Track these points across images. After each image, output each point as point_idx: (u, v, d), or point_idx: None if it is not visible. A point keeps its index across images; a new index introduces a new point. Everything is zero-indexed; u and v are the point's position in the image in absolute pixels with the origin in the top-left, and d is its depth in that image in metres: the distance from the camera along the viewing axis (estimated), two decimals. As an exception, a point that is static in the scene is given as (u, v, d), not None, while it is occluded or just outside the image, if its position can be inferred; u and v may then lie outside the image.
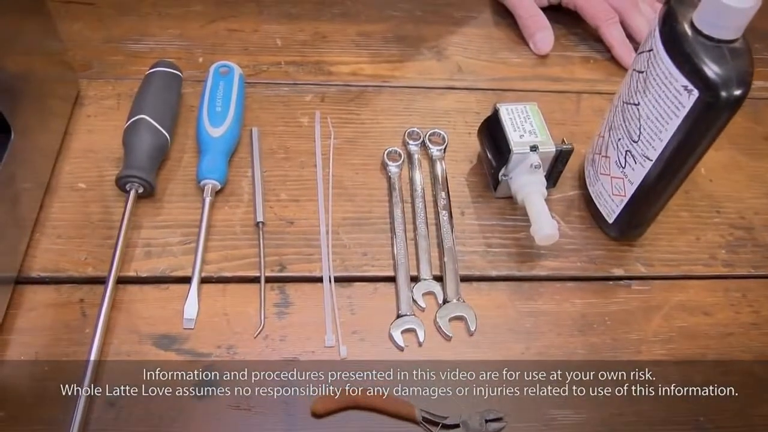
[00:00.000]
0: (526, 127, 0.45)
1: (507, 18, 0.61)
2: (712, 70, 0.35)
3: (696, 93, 0.35)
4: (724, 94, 0.35)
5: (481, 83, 0.56)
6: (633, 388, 0.40)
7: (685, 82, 0.36)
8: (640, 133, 0.40)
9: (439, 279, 0.43)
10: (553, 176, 0.47)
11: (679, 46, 0.36)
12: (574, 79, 0.57)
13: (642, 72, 0.39)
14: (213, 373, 0.38)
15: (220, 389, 0.37)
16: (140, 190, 0.43)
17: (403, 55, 0.57)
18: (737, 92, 0.35)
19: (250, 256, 0.43)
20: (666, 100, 0.37)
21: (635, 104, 0.40)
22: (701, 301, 0.44)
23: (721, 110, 0.36)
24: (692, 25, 0.36)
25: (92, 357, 0.37)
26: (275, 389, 0.38)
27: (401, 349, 0.40)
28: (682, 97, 0.36)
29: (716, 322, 0.43)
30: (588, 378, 0.40)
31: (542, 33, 0.57)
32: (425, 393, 0.38)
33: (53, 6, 0.46)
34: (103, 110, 0.49)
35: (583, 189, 0.48)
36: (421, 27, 0.59)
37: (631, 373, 0.40)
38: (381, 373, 0.39)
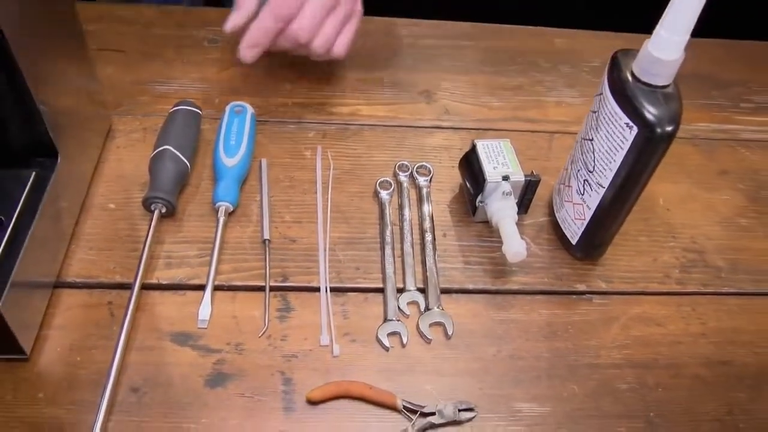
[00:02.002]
0: (499, 160, 0.52)
1: (489, 66, 0.69)
2: (648, 110, 0.42)
3: (636, 129, 0.42)
4: (658, 130, 0.42)
5: (466, 123, 0.63)
6: (592, 386, 0.45)
7: (627, 120, 0.42)
8: (595, 164, 0.47)
9: (422, 291, 0.49)
10: (524, 203, 0.53)
11: (622, 90, 0.43)
12: (547, 121, 0.64)
13: (595, 112, 0.46)
14: (223, 366, 0.43)
15: (229, 380, 0.43)
16: (163, 210, 0.49)
17: (396, 98, 0.64)
18: (669, 128, 0.41)
19: (257, 269, 0.49)
20: (613, 135, 0.44)
21: (590, 140, 0.47)
22: (655, 314, 0.50)
23: (657, 144, 0.42)
24: (632, 74, 0.43)
25: (119, 349, 0.42)
26: (277, 380, 0.43)
27: (387, 349, 0.45)
28: (625, 132, 0.43)
29: (668, 332, 0.49)
30: (552, 377, 0.45)
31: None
32: (406, 386, 0.43)
33: (90, 53, 0.53)
34: (131, 142, 0.56)
35: (552, 216, 0.54)
36: (413, 74, 0.67)
37: (591, 374, 0.46)
38: (368, 369, 0.44)
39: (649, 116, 0.41)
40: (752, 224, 0.57)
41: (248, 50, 0.54)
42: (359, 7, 0.59)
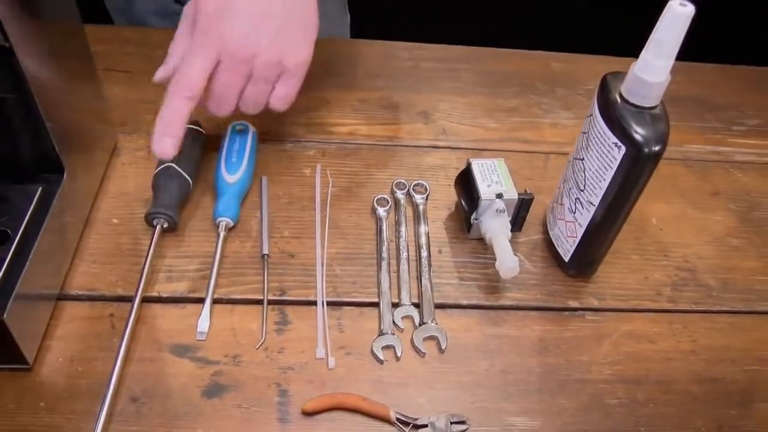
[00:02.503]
0: (493, 179, 0.53)
1: (487, 88, 0.70)
2: (635, 131, 0.43)
3: (624, 149, 0.43)
4: (646, 150, 0.43)
5: (462, 144, 0.64)
6: (582, 401, 0.46)
7: (615, 140, 0.44)
8: (585, 183, 0.48)
9: (416, 305, 0.50)
10: (518, 221, 0.54)
11: (611, 111, 0.44)
12: (543, 142, 0.65)
13: (585, 133, 0.48)
14: (220, 378, 0.44)
15: (226, 391, 0.44)
16: (165, 225, 0.51)
17: (395, 119, 0.66)
18: (656, 148, 0.43)
19: (255, 283, 0.50)
20: (602, 154, 0.45)
21: (581, 159, 0.48)
22: (647, 331, 0.51)
23: (644, 163, 0.43)
24: (621, 95, 0.44)
25: (119, 360, 0.43)
26: (273, 392, 0.44)
27: (381, 362, 0.46)
28: (614, 152, 0.44)
29: (659, 349, 0.50)
30: (543, 391, 0.46)
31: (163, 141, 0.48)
32: (400, 398, 0.44)
33: (98, 72, 0.55)
34: (135, 159, 0.58)
35: (546, 234, 0.55)
36: (411, 95, 0.69)
37: (582, 389, 0.46)
38: (363, 381, 0.45)
39: (636, 136, 0.43)
40: (743, 244, 0.58)
41: (161, 141, 0.47)
42: (294, 66, 0.51)
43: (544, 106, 0.70)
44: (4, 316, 0.40)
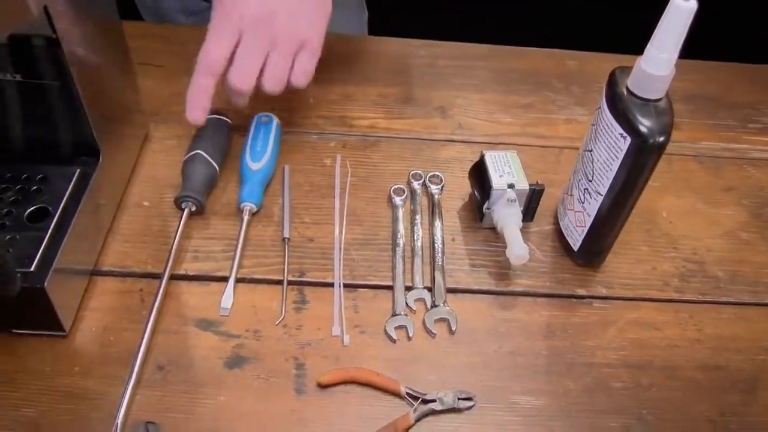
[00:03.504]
0: (505, 170, 0.55)
1: (502, 85, 0.72)
2: (641, 122, 0.45)
3: (629, 139, 0.45)
4: (650, 140, 0.44)
5: (477, 138, 0.66)
6: (587, 383, 0.48)
7: (621, 131, 0.45)
8: (594, 173, 0.50)
9: (429, 289, 0.52)
10: (529, 212, 0.56)
11: (617, 104, 0.46)
12: (556, 137, 0.67)
13: (594, 125, 0.49)
14: (241, 350, 0.47)
15: (246, 362, 0.46)
16: (193, 209, 0.54)
17: (413, 113, 0.68)
18: (660, 139, 0.44)
19: (276, 264, 0.53)
20: (609, 145, 0.47)
21: (590, 151, 0.50)
22: (653, 319, 0.52)
23: (649, 153, 0.45)
24: (627, 89, 0.46)
25: (147, 331, 0.46)
26: (290, 365, 0.47)
27: (393, 341, 0.49)
28: (620, 142, 0.46)
29: (665, 336, 0.51)
30: (549, 373, 0.48)
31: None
32: (410, 375, 0.46)
33: (134, 66, 0.59)
34: (166, 147, 0.61)
35: (556, 224, 0.57)
36: (429, 91, 0.71)
37: (587, 372, 0.48)
38: (375, 358, 0.47)
39: (641, 128, 0.44)
40: (753, 238, 0.59)
41: (193, 112, 0.53)
42: (310, 39, 0.55)
43: (559, 102, 0.71)
44: (45, 284, 0.43)
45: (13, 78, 0.46)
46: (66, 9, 0.44)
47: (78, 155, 0.51)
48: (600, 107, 0.48)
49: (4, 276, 0.39)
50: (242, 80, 0.53)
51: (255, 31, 0.53)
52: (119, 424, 0.42)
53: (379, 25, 0.89)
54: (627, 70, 0.47)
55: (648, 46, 0.43)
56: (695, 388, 0.48)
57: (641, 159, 0.46)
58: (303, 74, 0.56)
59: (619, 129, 0.46)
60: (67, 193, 0.49)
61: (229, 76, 0.53)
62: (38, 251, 0.45)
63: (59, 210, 0.48)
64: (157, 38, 0.73)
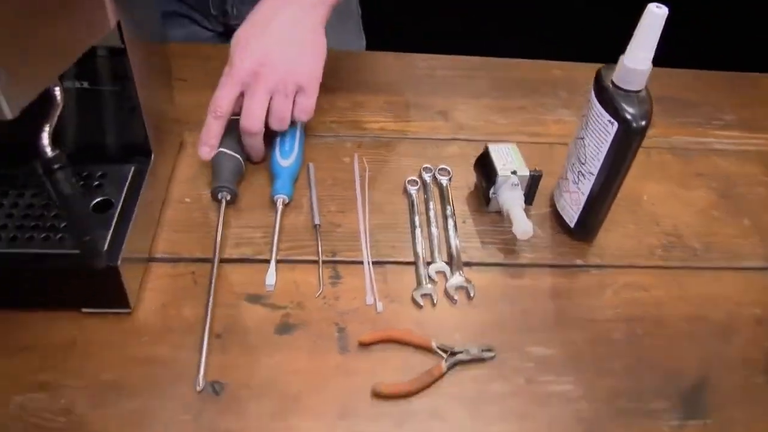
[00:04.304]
0: (507, 159, 0.63)
1: (497, 92, 0.81)
2: (625, 110, 0.53)
3: (616, 125, 0.53)
4: (634, 125, 0.53)
5: (477, 137, 0.74)
6: (590, 335, 0.55)
7: (610, 118, 0.54)
8: (586, 157, 0.57)
9: (447, 263, 0.59)
10: (529, 196, 0.64)
11: (605, 95, 0.54)
12: (547, 134, 0.75)
13: (585, 116, 0.58)
14: (288, 318, 0.53)
15: (294, 329, 0.53)
16: (228, 197, 0.60)
17: (418, 117, 0.76)
18: (642, 123, 0.52)
19: (310, 247, 0.59)
20: (599, 131, 0.55)
21: (582, 138, 0.58)
22: (642, 282, 0.60)
23: (633, 135, 0.53)
24: (613, 82, 0.54)
25: (210, 303, 0.52)
26: (332, 329, 0.53)
27: (420, 307, 0.55)
28: (608, 128, 0.54)
29: (653, 296, 0.59)
30: (556, 328, 0.55)
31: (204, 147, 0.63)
32: (438, 335, 0.53)
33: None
34: (197, 152, 0.68)
35: (553, 207, 0.65)
36: (431, 98, 0.79)
37: (589, 326, 0.55)
38: (406, 323, 0.54)
39: (626, 114, 0.53)
40: (722, 215, 0.68)
41: (202, 149, 0.62)
42: (306, 81, 0.63)
43: (548, 105, 0.80)
44: (118, 263, 0.49)
45: (80, 85, 0.52)
46: (130, 24, 0.51)
47: (132, 155, 0.57)
48: (590, 100, 0.57)
49: (93, 251, 0.45)
50: (251, 122, 0.62)
51: (256, 81, 0.61)
52: (201, 377, 0.48)
53: (377, 51, 0.97)
54: (611, 67, 0.55)
55: (629, 46, 0.52)
56: (682, 336, 0.56)
57: (627, 141, 0.54)
58: (303, 113, 0.64)
59: (607, 116, 0.54)
60: (126, 187, 0.55)
61: (242, 121, 0.62)
62: (107, 236, 0.51)
63: (120, 202, 0.54)
64: (181, 55, 0.80)
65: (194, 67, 0.78)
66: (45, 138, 0.39)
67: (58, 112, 0.41)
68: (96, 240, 0.45)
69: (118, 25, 0.48)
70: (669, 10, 0.49)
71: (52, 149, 0.40)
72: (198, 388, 0.48)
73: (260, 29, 0.63)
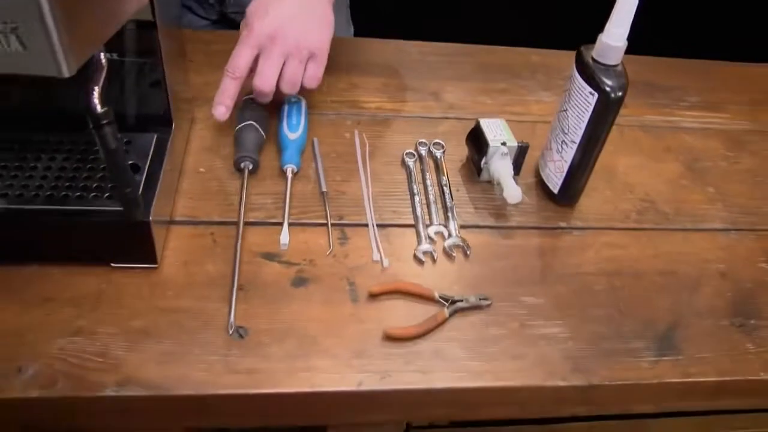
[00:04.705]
0: (497, 132, 0.68)
1: (481, 75, 0.87)
2: (604, 82, 0.59)
3: (596, 95, 0.59)
4: (612, 95, 0.59)
5: (466, 115, 0.80)
6: (575, 287, 0.61)
7: (590, 89, 0.60)
8: (569, 127, 0.64)
9: (444, 225, 0.64)
10: (517, 166, 0.70)
11: (586, 69, 0.60)
12: (529, 114, 0.82)
13: (567, 90, 0.64)
14: (303, 273, 0.58)
15: (308, 282, 0.57)
16: (250, 167, 0.65)
17: (412, 97, 0.81)
18: (619, 94, 0.59)
19: (318, 211, 0.64)
20: (580, 102, 0.61)
21: (564, 110, 0.64)
22: (620, 242, 0.66)
23: (611, 105, 0.59)
24: (592, 58, 0.60)
25: (237, 260, 0.57)
26: (344, 283, 0.58)
27: (422, 263, 0.61)
28: (589, 99, 0.60)
29: (630, 254, 0.65)
30: (544, 281, 0.61)
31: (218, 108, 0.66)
32: (439, 286, 0.58)
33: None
34: (207, 126, 0.72)
35: (538, 177, 0.71)
36: (423, 81, 0.84)
37: (574, 280, 0.61)
38: (410, 277, 0.59)
39: (605, 86, 0.59)
40: (689, 184, 0.75)
41: (217, 108, 0.66)
42: (317, 49, 0.67)
43: (529, 88, 0.86)
44: (150, 218, 0.53)
45: (110, 56, 0.56)
46: (161, 1, 0.55)
47: (155, 125, 0.61)
48: (572, 75, 0.63)
49: (133, 202, 0.49)
50: (264, 83, 0.66)
51: (272, 44, 0.66)
52: (232, 320, 0.52)
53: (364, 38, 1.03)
54: (590, 46, 0.62)
55: (607, 24, 0.58)
56: (656, 288, 0.62)
57: (606, 110, 0.60)
58: (313, 79, 0.69)
59: (588, 88, 0.60)
60: (150, 154, 0.59)
61: (254, 80, 0.66)
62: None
63: (146, 166, 0.58)
64: (186, 40, 0.84)
65: (197, 50, 0.82)
66: (95, 97, 0.44)
67: (104, 75, 0.45)
68: (136, 192, 0.49)
69: (151, 1, 0.53)
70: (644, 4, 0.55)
71: (101, 107, 0.44)
72: (230, 331, 0.52)
73: (276, 0, 0.67)
